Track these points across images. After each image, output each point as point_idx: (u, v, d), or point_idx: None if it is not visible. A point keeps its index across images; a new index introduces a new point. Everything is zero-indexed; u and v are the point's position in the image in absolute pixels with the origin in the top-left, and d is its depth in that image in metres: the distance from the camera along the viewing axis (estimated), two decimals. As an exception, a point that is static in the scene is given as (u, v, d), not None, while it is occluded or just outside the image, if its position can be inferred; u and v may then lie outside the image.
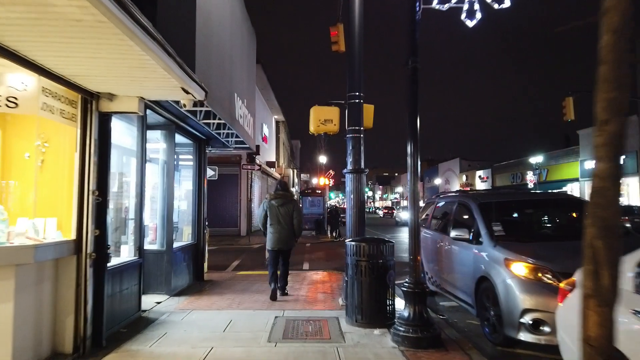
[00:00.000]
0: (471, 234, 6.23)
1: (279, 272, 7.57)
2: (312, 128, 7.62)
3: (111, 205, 6.71)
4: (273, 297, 7.34)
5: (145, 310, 6.51)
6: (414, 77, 5.46)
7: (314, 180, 56.47)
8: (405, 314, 5.16)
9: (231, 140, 9.45)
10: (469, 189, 39.86)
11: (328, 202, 30.96)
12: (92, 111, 4.72)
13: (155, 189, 8.04)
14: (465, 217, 6.87)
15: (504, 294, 5.17)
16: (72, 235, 4.64)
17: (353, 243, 5.96)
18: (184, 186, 9.55)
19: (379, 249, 5.81)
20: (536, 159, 34.82)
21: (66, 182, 4.73)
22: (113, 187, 6.77)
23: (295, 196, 39.50)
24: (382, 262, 5.78)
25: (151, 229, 8.32)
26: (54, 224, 4.67)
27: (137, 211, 6.48)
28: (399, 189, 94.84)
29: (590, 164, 28.90)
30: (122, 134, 6.92)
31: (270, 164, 31.29)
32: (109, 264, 5.27)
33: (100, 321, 4.90)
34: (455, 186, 53.00)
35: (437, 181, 59.39)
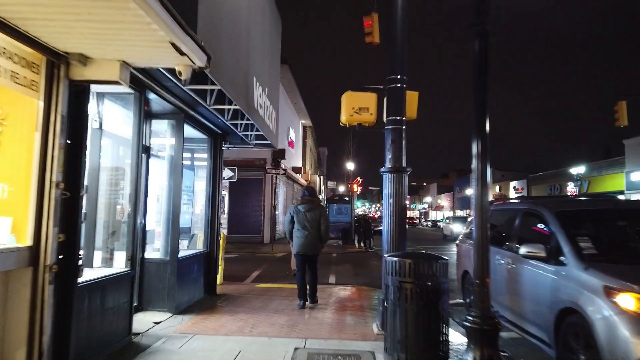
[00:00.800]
0: (548, 250, 4.85)
1: (307, 281, 7.46)
2: (343, 118, 6.40)
3: (102, 206, 5.64)
4: (302, 306, 7.33)
5: (138, 334, 5.36)
6: (481, 44, 4.15)
7: (341, 188, 55.20)
8: (469, 358, 3.83)
9: (250, 135, 8.29)
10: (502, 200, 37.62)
11: (355, 210, 29.49)
12: (60, 78, 3.60)
13: (163, 189, 6.96)
14: (535, 229, 5.48)
15: (606, 335, 3.77)
16: (28, 241, 3.51)
17: (395, 259, 4.65)
18: (197, 187, 8.43)
19: (430, 268, 4.49)
20: (578, 170, 32.67)
21: (25, 171, 3.62)
22: (107, 183, 5.72)
23: (322, 203, 38.28)
24: (432, 284, 4.45)
25: (157, 234, 7.25)
26: (8, 226, 3.56)
27: (131, 213, 5.36)
28: (428, 199, 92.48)
29: (637, 176, 26.73)
30: (122, 122, 5.87)
31: (297, 170, 30.18)
32: (83, 279, 4.14)
33: (64, 355, 3.75)
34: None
35: (469, 191, 57.14)
